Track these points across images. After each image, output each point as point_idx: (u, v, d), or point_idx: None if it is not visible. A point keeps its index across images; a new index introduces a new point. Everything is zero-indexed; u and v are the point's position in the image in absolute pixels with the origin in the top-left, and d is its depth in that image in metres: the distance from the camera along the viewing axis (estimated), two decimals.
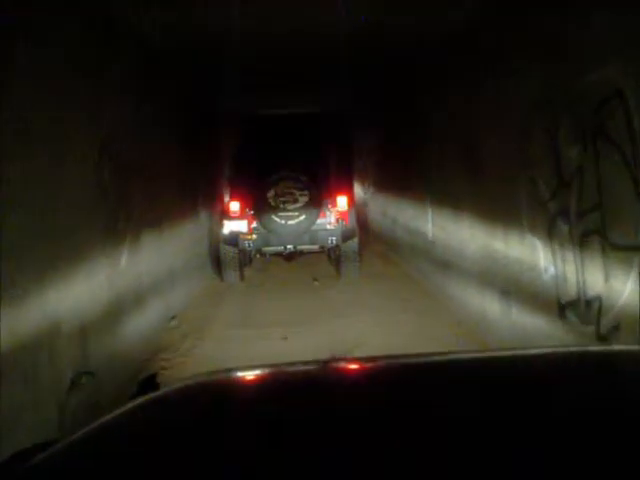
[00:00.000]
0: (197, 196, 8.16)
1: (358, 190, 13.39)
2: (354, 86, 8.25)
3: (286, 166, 8.00)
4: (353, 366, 1.61)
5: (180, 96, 7.42)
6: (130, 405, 1.30)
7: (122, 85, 4.74)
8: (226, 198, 8.32)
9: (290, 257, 8.64)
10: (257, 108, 9.54)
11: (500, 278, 4.77)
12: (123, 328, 4.50)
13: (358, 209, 12.62)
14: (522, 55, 4.02)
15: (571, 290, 3.51)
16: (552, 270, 3.77)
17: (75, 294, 3.49)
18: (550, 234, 3.78)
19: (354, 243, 8.13)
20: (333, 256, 8.68)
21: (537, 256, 3.98)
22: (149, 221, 5.47)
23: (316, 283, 7.81)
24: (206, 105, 8.57)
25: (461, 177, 5.69)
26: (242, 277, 8.37)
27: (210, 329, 6.08)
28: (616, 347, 1.88)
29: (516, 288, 4.44)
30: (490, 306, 5.03)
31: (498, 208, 4.73)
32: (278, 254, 8.53)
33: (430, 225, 7.07)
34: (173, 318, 6.32)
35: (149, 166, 5.45)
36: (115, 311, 4.32)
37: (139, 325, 5.00)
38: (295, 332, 5.67)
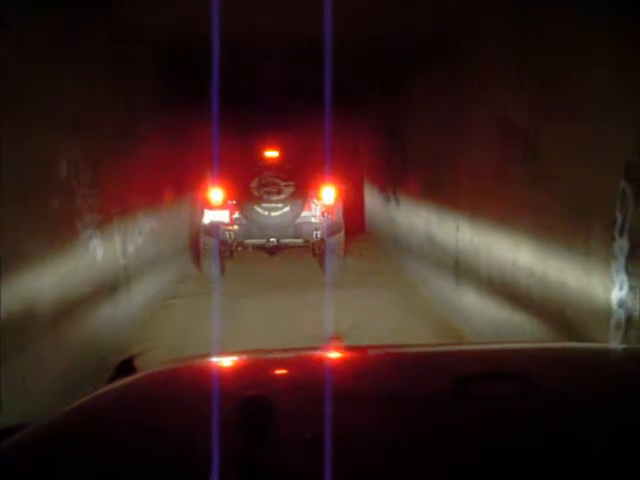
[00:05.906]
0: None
1: (376, 195, 10.43)
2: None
3: (271, 154, 7.68)
4: (326, 354, 1.59)
5: (160, 80, 7.10)
6: (105, 389, 1.30)
7: None
8: (208, 186, 7.96)
9: (273, 251, 8.34)
10: (246, 90, 9.19)
11: None
12: None
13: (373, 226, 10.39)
14: None
15: None
16: None
17: None
18: None
19: (339, 238, 7.92)
20: (317, 251, 8.43)
21: None
22: None
23: None
24: (191, 88, 8.23)
25: None
26: (223, 270, 8.08)
27: None
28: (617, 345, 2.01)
29: None
30: None
31: None
32: (261, 247, 8.21)
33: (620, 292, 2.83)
34: None
35: None
36: None
37: None
38: None
